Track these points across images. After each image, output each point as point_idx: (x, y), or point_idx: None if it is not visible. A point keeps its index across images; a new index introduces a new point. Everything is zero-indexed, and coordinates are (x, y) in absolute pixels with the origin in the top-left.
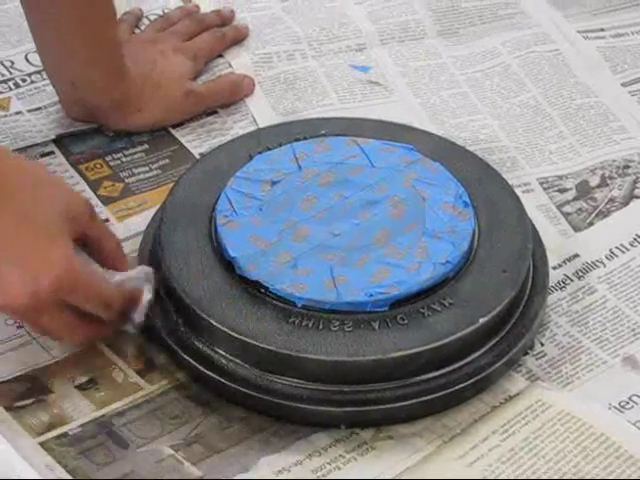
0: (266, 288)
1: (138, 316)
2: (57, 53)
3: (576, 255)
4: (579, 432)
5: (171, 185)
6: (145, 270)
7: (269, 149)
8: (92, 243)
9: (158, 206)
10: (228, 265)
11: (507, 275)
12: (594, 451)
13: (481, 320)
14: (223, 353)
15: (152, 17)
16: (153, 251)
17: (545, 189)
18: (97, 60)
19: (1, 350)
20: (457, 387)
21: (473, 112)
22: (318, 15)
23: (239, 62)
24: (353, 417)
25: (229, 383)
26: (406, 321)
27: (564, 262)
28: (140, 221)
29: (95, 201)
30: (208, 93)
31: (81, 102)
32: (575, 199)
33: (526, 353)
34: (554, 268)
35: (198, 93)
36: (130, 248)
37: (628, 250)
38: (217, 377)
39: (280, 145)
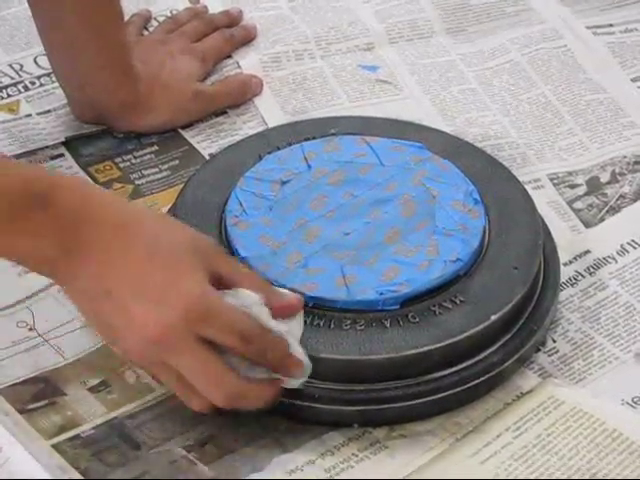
0: (277, 287)
1: (293, 382)
2: (65, 56)
3: (587, 251)
4: (592, 428)
5: (181, 186)
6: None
7: (278, 149)
8: (228, 284)
9: (168, 207)
10: None
11: (518, 272)
12: (607, 447)
13: (493, 317)
14: None
15: (160, 18)
16: None
17: (555, 185)
18: (106, 62)
19: (13, 352)
20: (469, 384)
21: (483, 108)
22: (326, 14)
23: (248, 62)
24: (366, 416)
25: None
26: (417, 319)
27: (575, 258)
28: None
29: None
30: (217, 94)
31: (90, 104)
32: (586, 194)
33: (538, 350)
34: (565, 264)
35: (207, 94)
36: None
37: (639, 246)
38: None
39: (289, 145)
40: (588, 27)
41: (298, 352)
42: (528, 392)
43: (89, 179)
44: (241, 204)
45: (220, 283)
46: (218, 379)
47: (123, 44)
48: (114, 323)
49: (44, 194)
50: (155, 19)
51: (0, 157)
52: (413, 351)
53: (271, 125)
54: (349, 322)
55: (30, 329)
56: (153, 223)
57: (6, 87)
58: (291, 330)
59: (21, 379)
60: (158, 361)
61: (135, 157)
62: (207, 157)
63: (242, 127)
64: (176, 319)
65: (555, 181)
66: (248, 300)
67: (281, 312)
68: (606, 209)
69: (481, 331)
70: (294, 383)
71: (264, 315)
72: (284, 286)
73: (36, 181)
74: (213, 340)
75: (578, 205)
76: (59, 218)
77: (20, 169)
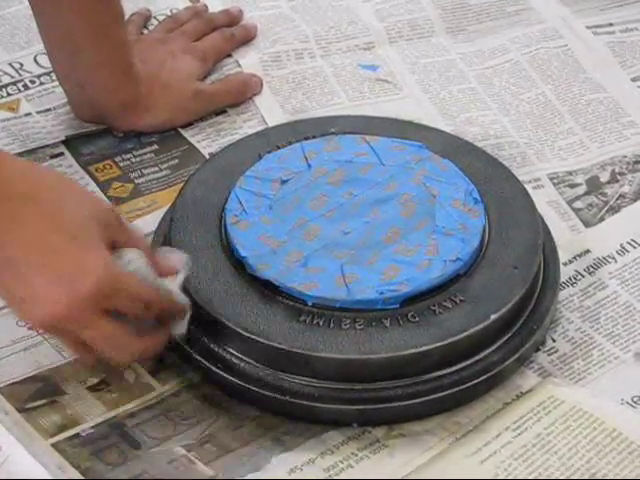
0: (277, 287)
1: (179, 327)
2: (66, 55)
3: (587, 251)
4: (591, 428)
5: (181, 185)
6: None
7: (278, 148)
8: (122, 247)
9: (168, 206)
10: (238, 264)
11: (518, 271)
12: (606, 447)
13: (492, 317)
14: (234, 352)
15: (160, 17)
16: None
17: (555, 184)
18: (106, 61)
19: (13, 351)
20: (469, 384)
21: (483, 108)
22: (326, 14)
23: (248, 61)
24: (365, 415)
25: (241, 382)
26: (417, 318)
27: (575, 258)
28: (150, 221)
29: None
30: (217, 93)
31: (90, 103)
32: (586, 194)
33: (538, 349)
34: (565, 264)
35: (207, 93)
36: None
37: (639, 245)
38: (229, 376)
39: (289, 144)
40: (588, 27)
41: (182, 299)
42: (528, 391)
43: (89, 177)
44: (241, 203)
45: (113, 248)
46: (123, 345)
47: (124, 43)
48: (16, 293)
49: None
50: (155, 18)
51: None
52: (413, 350)
53: (271, 124)
54: (349, 321)
55: (30, 327)
56: (56, 189)
57: (6, 86)
58: (176, 281)
59: (20, 378)
60: (61, 330)
61: (135, 156)
62: (207, 156)
63: (242, 126)
64: (84, 295)
65: (555, 180)
66: (131, 256)
67: (168, 272)
68: (606, 209)
69: (481, 330)
70: (180, 328)
71: (150, 273)
72: (284, 285)
73: None
74: (119, 311)
75: (578, 205)
76: None
77: None
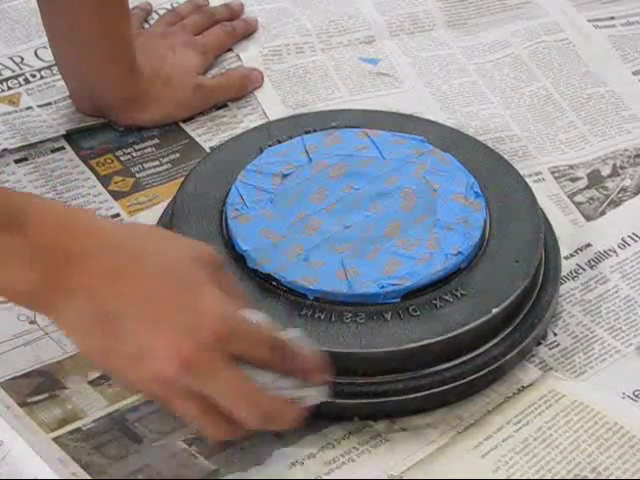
0: (278, 281)
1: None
2: (71, 48)
3: (588, 244)
4: (593, 422)
5: (181, 179)
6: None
7: (279, 142)
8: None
9: (169, 200)
10: (239, 258)
11: (519, 265)
12: (608, 440)
13: (494, 310)
14: None
15: (161, 11)
16: None
17: (556, 178)
18: (112, 55)
19: (14, 345)
20: (470, 378)
21: (484, 101)
22: (327, 7)
23: (248, 56)
24: (366, 409)
25: None
26: (418, 312)
27: (576, 252)
28: (151, 215)
29: (106, 196)
30: (217, 87)
31: (92, 97)
32: (587, 188)
33: (539, 343)
34: (566, 258)
35: (208, 87)
36: None
37: None
38: None
39: (290, 138)
40: (589, 20)
41: (311, 345)
42: (529, 385)
43: (89, 172)
44: (242, 197)
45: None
46: (254, 398)
47: (128, 37)
48: (126, 350)
49: (22, 211)
50: (156, 12)
51: None
52: (414, 344)
53: (272, 118)
54: (350, 315)
55: (31, 322)
56: (151, 238)
57: (7, 79)
58: (301, 337)
59: (22, 372)
60: (180, 389)
61: (136, 150)
62: (208, 150)
63: (243, 120)
64: (207, 339)
65: (556, 174)
66: (253, 315)
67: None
68: (607, 202)
69: (482, 324)
70: (318, 396)
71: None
72: (285, 279)
73: (12, 196)
74: (244, 355)
75: (579, 198)
76: (38, 237)
77: None
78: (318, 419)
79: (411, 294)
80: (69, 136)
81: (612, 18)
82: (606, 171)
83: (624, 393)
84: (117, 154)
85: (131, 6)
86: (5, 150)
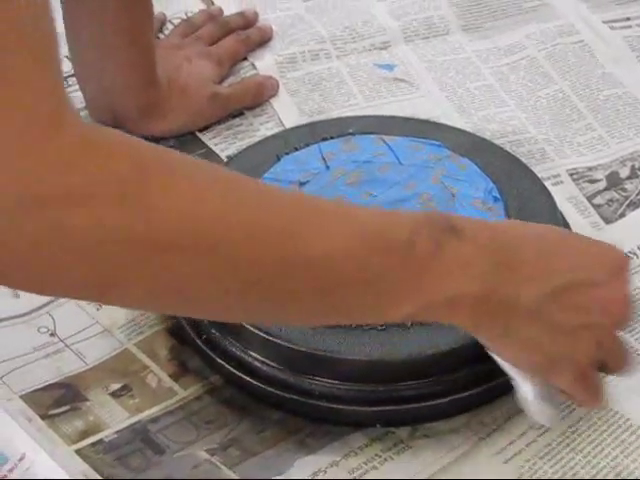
0: None
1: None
2: (94, 56)
3: None
4: (616, 425)
5: None
6: None
7: (296, 149)
8: None
9: None
10: None
11: None
12: (632, 444)
13: None
14: (256, 356)
15: (175, 21)
16: None
17: (575, 180)
18: (136, 62)
19: (35, 358)
20: (492, 383)
21: (500, 104)
22: (341, 14)
23: (264, 64)
24: (388, 416)
25: (263, 385)
26: None
27: None
28: None
29: None
30: (233, 96)
31: (110, 108)
32: (606, 190)
33: None
34: None
35: (223, 96)
36: None
37: None
38: (251, 380)
39: (307, 145)
40: (605, 21)
41: None
42: None
43: None
44: None
45: None
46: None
47: (153, 45)
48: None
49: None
50: (170, 22)
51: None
52: (435, 350)
53: (288, 126)
54: None
55: (51, 334)
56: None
57: None
58: None
59: (43, 385)
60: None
61: None
62: (225, 159)
63: (259, 128)
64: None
65: (575, 176)
66: None
67: None
68: (626, 204)
69: None
70: None
71: None
72: None
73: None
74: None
75: (598, 200)
76: (484, 243)
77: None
78: (340, 427)
79: None
80: None
81: (628, 19)
82: (625, 173)
83: None
84: None
85: None
86: None
